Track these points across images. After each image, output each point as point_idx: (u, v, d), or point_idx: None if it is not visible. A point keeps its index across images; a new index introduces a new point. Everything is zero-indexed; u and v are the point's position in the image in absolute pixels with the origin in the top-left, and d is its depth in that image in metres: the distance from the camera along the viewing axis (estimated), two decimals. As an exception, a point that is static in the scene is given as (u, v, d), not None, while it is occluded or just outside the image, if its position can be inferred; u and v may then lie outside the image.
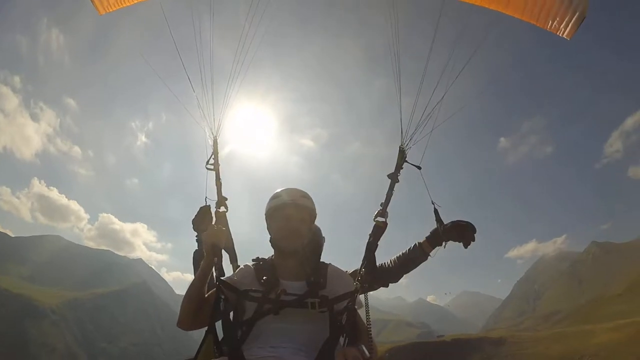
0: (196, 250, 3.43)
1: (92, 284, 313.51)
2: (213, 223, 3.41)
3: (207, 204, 3.50)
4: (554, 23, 3.80)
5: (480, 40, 3.73)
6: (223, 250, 3.22)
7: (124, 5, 4.36)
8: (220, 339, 2.85)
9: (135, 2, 4.35)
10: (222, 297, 2.89)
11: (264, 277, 2.93)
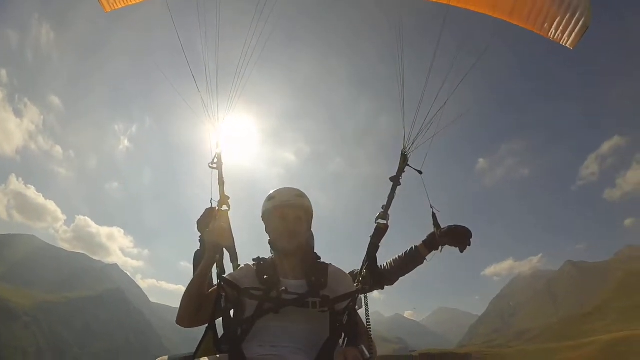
0: (197, 250, 3.41)
1: (65, 287, 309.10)
2: (216, 221, 3.34)
3: (213, 206, 3.50)
4: (557, 32, 3.83)
5: (483, 50, 3.87)
6: (224, 249, 3.29)
7: (130, 3, 4.42)
8: (220, 337, 2.87)
9: (140, 1, 4.44)
10: (223, 294, 2.90)
11: (265, 276, 2.93)
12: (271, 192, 3.29)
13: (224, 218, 3.44)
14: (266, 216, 3.24)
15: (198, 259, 3.31)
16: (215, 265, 3.10)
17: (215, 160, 3.66)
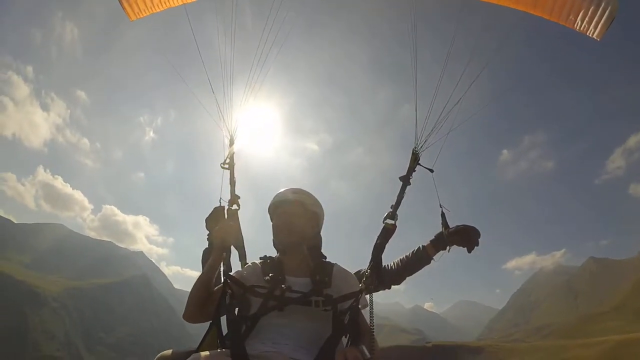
0: (206, 248, 3.43)
1: (92, 274, 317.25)
2: (225, 219, 3.37)
3: (222, 205, 3.49)
4: (583, 23, 3.70)
5: (492, 56, 3.71)
6: (232, 248, 3.31)
7: (155, 11, 4.40)
8: (225, 333, 2.86)
9: (165, 8, 4.41)
10: (229, 291, 2.91)
11: (270, 274, 2.95)
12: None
13: (233, 217, 3.43)
14: (270, 216, 3.34)
15: (206, 256, 3.34)
16: (222, 262, 3.13)
17: (227, 161, 3.63)
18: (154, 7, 4.35)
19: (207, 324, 3.06)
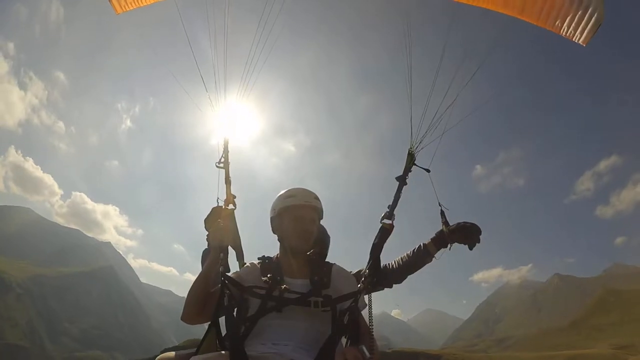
0: (205, 249, 3.39)
1: (59, 261, 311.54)
2: (220, 220, 3.27)
3: (219, 205, 3.45)
4: (570, 29, 3.71)
5: (491, 47, 3.73)
6: (230, 248, 3.30)
7: (141, 5, 4.36)
8: (224, 335, 2.86)
9: (153, 1, 4.40)
10: (227, 292, 2.89)
11: (269, 275, 2.93)
12: (288, 190, 3.28)
13: (228, 217, 3.41)
14: (281, 213, 3.22)
15: (205, 257, 3.33)
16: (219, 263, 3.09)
17: (222, 160, 3.60)
18: (140, 0, 4.38)
19: (193, 324, 3.09)
